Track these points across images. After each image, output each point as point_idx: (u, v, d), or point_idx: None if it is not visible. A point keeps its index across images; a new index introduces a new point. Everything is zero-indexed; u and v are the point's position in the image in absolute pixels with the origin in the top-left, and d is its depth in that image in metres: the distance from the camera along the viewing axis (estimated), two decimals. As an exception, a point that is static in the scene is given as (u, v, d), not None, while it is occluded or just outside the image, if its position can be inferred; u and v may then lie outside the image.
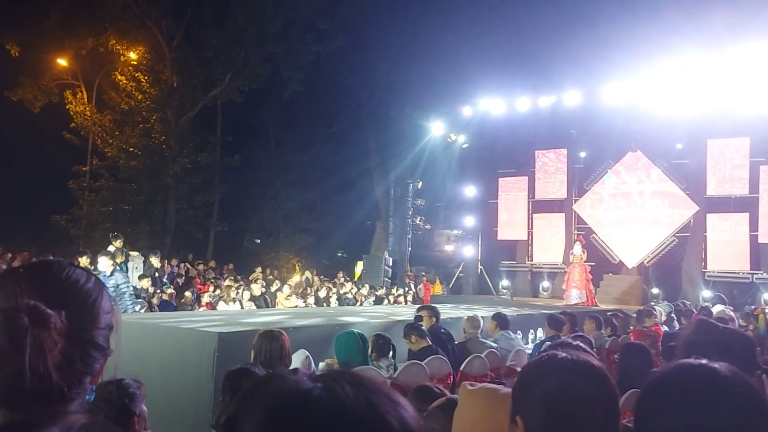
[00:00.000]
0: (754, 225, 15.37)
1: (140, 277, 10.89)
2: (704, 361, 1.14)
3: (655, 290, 16.09)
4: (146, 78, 20.49)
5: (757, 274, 15.30)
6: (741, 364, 1.85)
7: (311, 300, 12.64)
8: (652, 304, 12.37)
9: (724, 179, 15.92)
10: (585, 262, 14.92)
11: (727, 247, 15.73)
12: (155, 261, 11.67)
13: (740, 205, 15.70)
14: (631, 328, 8.16)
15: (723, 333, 1.96)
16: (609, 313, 8.47)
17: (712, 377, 1.10)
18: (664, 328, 8.66)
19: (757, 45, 13.57)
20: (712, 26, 13.59)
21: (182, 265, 15.43)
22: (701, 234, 16.15)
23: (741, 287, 15.44)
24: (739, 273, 15.59)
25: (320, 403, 0.64)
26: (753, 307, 11.72)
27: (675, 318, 9.77)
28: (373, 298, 15.21)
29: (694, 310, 9.91)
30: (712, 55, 14.16)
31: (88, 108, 20.95)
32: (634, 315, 9.01)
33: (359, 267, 20.88)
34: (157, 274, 11.41)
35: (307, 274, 17.22)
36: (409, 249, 22.04)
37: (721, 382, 1.08)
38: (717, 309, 10.17)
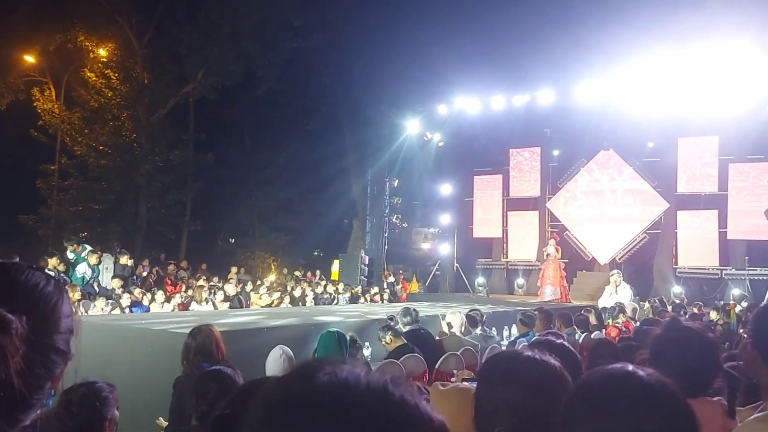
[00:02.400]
0: (723, 222, 15.71)
1: (112, 278, 10.71)
2: (630, 368, 1.13)
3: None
4: (116, 75, 20.09)
5: (726, 270, 15.64)
6: (699, 361, 1.92)
7: (287, 300, 12.54)
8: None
9: (694, 177, 16.25)
10: (559, 259, 15.17)
11: (697, 244, 16.06)
12: (125, 261, 11.48)
13: (709, 202, 16.04)
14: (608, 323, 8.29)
15: (683, 331, 2.04)
16: (583, 310, 8.58)
17: (636, 384, 1.09)
18: (638, 323, 8.80)
19: (724, 44, 13.87)
20: (683, 26, 13.86)
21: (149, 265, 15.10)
22: (672, 231, 16.46)
23: (710, 283, 15.78)
24: (708, 269, 15.93)
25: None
26: (723, 302, 11.99)
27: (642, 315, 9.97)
28: (348, 295, 15.17)
29: (668, 308, 10.10)
30: (683, 54, 14.44)
31: (56, 105, 20.48)
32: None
33: (336, 266, 20.81)
34: (127, 274, 11.22)
35: (288, 272, 17.10)
36: (386, 247, 22.01)
37: (645, 390, 1.07)
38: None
